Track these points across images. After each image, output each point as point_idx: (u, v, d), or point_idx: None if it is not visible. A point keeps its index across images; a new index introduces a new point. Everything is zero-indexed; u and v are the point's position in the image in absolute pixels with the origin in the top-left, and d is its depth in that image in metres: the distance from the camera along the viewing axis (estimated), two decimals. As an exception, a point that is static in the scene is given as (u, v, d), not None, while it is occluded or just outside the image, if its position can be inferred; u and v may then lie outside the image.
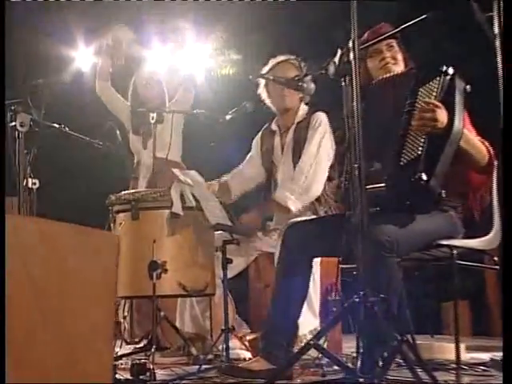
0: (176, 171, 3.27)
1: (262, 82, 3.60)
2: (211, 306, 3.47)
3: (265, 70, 3.57)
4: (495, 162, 2.63)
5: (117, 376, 2.65)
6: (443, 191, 2.49)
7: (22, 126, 3.12)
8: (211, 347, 3.25)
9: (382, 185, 2.54)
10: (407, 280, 2.75)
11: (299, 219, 3.14)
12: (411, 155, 2.52)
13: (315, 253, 2.84)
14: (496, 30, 2.07)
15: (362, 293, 2.25)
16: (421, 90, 2.57)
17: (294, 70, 3.53)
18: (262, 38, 6.13)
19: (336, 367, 2.72)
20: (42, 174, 3.29)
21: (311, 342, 2.37)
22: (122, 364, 3.09)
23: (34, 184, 3.20)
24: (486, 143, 2.64)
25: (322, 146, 3.45)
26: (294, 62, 3.58)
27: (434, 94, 2.53)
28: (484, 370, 2.83)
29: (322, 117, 3.52)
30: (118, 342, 3.53)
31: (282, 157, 3.62)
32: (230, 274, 3.19)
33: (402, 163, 2.54)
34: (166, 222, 3.15)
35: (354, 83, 2.34)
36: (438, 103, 2.49)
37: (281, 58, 3.60)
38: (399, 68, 2.83)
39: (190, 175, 3.27)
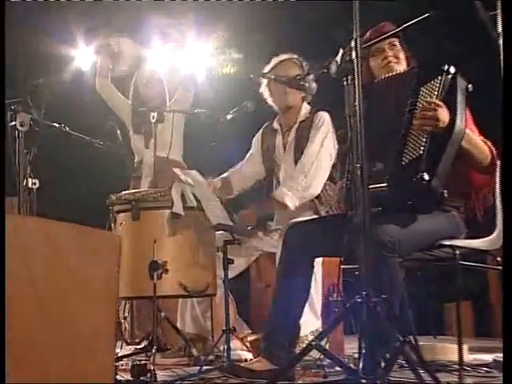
0: (177, 171, 3.26)
1: (264, 80, 3.59)
2: (212, 306, 3.46)
3: (267, 68, 3.57)
4: (498, 162, 2.61)
5: (117, 377, 2.64)
6: (445, 191, 2.48)
7: (22, 125, 3.11)
8: (212, 348, 3.24)
9: (384, 185, 2.53)
10: (409, 280, 2.74)
11: (300, 219, 3.13)
12: (413, 155, 2.51)
13: (316, 253, 2.83)
14: (500, 28, 2.07)
15: (364, 293, 2.23)
16: (422, 89, 2.57)
17: (296, 69, 3.53)
18: (264, 37, 6.13)
19: (338, 368, 2.71)
20: (41, 173, 3.28)
21: (313, 343, 2.36)
22: (122, 365, 3.09)
23: (34, 184, 3.19)
24: (489, 143, 2.63)
25: (324, 145, 3.44)
26: (296, 60, 3.57)
27: (436, 93, 2.53)
28: (487, 372, 2.82)
29: (325, 116, 3.50)
30: (119, 343, 3.52)
31: (284, 155, 3.61)
32: (230, 275, 3.18)
33: (403, 163, 2.53)
34: (167, 222, 3.14)
35: (357, 82, 2.32)
36: (439, 102, 2.48)
37: (283, 56, 3.59)
38: (402, 67, 2.82)
39: (191, 175, 3.25)
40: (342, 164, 2.78)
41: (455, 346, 2.71)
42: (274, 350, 2.70)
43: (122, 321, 3.69)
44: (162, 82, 4.33)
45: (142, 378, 2.71)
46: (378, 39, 2.70)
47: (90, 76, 4.48)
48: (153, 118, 3.70)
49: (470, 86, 2.55)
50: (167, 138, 4.06)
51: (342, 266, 2.79)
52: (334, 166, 3.39)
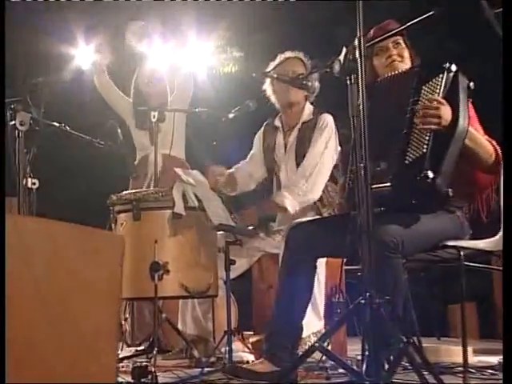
0: (178, 171, 3.24)
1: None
2: (213, 307, 3.44)
3: (272, 65, 3.55)
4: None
5: (118, 379, 2.62)
6: (450, 190, 2.45)
7: (21, 124, 3.09)
8: (214, 350, 3.22)
9: (388, 184, 2.51)
10: (413, 281, 2.72)
11: (303, 220, 3.11)
12: (416, 153, 2.49)
13: (319, 253, 2.81)
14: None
15: (367, 294, 2.21)
16: (424, 87, 2.56)
17: (300, 67, 3.52)
18: (265, 36, 6.12)
19: (341, 370, 2.69)
20: (41, 173, 3.26)
21: (316, 344, 2.33)
22: (123, 367, 3.07)
23: (34, 184, 3.17)
24: (494, 142, 2.61)
25: (327, 148, 3.42)
26: (301, 58, 3.55)
27: (438, 91, 2.52)
28: (492, 374, 2.80)
29: (328, 119, 3.49)
30: (119, 345, 3.50)
31: (285, 155, 3.59)
32: (232, 275, 3.16)
33: (407, 162, 2.51)
34: (168, 222, 3.11)
35: (360, 81, 2.30)
36: (441, 100, 2.47)
37: (288, 53, 3.57)
38: (406, 66, 2.80)
39: (193, 175, 3.24)
40: (343, 164, 2.76)
41: (459, 348, 2.69)
42: (276, 352, 2.68)
43: (123, 322, 3.66)
44: (163, 80, 4.31)
45: (142, 380, 2.69)
46: (381, 38, 2.68)
47: (89, 75, 4.46)
48: (153, 117, 3.68)
49: (471, 83, 2.54)
50: (168, 137, 4.04)
51: (345, 267, 2.76)
52: (335, 167, 3.38)
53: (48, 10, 6.14)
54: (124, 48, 4.45)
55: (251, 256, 3.57)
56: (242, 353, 3.30)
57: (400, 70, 2.75)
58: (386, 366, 2.22)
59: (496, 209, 2.75)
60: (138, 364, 2.79)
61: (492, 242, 2.73)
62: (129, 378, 2.72)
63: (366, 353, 2.23)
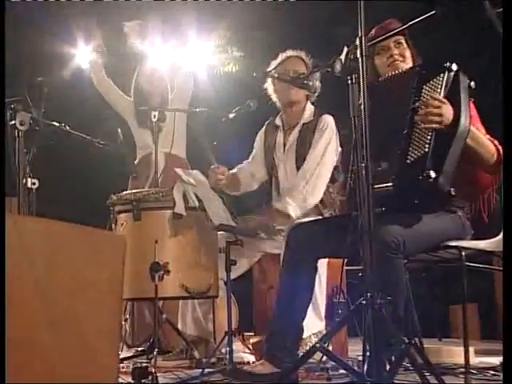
0: (179, 171, 3.23)
1: None
2: (214, 308, 3.43)
3: (274, 64, 3.54)
4: (504, 161, 2.58)
5: (118, 380, 2.61)
6: (452, 189, 2.44)
7: (21, 124, 3.08)
8: (214, 350, 3.20)
9: (390, 184, 2.50)
10: (414, 282, 2.71)
11: (304, 220, 3.10)
12: (418, 153, 2.49)
13: (320, 254, 2.80)
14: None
15: (369, 295, 2.20)
16: (425, 87, 2.55)
17: (302, 66, 3.52)
18: (265, 35, 6.11)
19: (342, 371, 2.68)
20: (41, 173, 3.25)
21: (317, 345, 2.33)
22: (123, 367, 3.07)
23: (34, 184, 3.16)
24: (495, 142, 2.60)
25: (327, 150, 3.41)
26: (303, 57, 3.54)
27: (439, 90, 2.51)
28: (493, 375, 2.79)
29: (329, 120, 3.48)
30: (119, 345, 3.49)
31: (284, 155, 3.57)
32: (232, 276, 3.15)
33: (408, 161, 2.50)
34: (169, 222, 3.10)
35: (361, 81, 2.29)
36: (443, 99, 2.47)
37: (290, 52, 3.56)
38: (407, 65, 2.79)
39: (193, 175, 3.22)
40: (344, 164, 2.75)
41: (461, 349, 2.68)
42: (276, 353, 2.67)
43: (123, 323, 3.65)
44: (164, 80, 4.30)
45: (143, 381, 2.68)
46: (383, 37, 2.67)
47: (89, 74, 4.46)
48: (154, 117, 3.67)
49: (472, 83, 2.53)
50: (169, 136, 4.04)
51: (346, 267, 2.75)
52: (335, 168, 3.37)
53: (48, 9, 6.12)
54: (124, 47, 4.44)
55: (252, 256, 3.55)
56: (243, 353, 3.30)
57: (401, 70, 2.74)
58: (388, 367, 2.21)
59: (498, 209, 2.74)
60: (139, 365, 2.79)
61: (493, 243, 2.72)
62: (129, 379, 2.72)
63: (367, 353, 2.22)
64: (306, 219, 3.13)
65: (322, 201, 3.43)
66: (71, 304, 1.68)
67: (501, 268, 2.76)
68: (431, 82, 2.53)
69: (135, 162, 4.37)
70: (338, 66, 2.40)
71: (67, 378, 1.64)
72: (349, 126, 2.38)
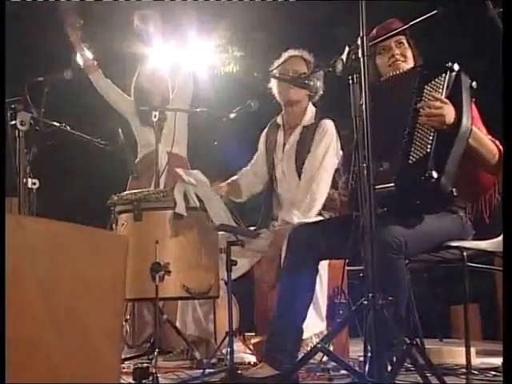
0: (179, 171, 3.22)
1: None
2: (215, 308, 3.43)
3: (276, 63, 3.54)
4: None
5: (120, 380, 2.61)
6: (454, 189, 2.44)
7: (22, 124, 3.08)
8: (215, 351, 3.20)
9: (391, 184, 2.49)
10: (416, 282, 2.70)
11: (305, 221, 3.09)
12: (420, 153, 2.48)
13: (321, 254, 2.79)
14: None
15: (370, 295, 2.19)
16: (426, 87, 2.55)
17: (303, 66, 3.51)
18: (266, 35, 6.11)
19: (343, 371, 2.68)
20: (41, 173, 3.24)
21: (318, 346, 2.32)
22: (124, 368, 3.06)
23: (34, 184, 3.16)
24: (497, 142, 2.60)
25: (327, 156, 3.41)
26: (304, 56, 3.54)
27: (440, 90, 2.51)
28: (495, 376, 2.79)
29: (329, 125, 3.47)
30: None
31: (283, 156, 3.57)
32: (233, 276, 3.13)
33: (410, 161, 2.50)
34: (169, 222, 3.10)
35: (363, 81, 2.28)
36: (444, 99, 2.46)
37: (292, 52, 3.56)
38: (409, 65, 2.79)
39: (194, 175, 3.22)
40: (345, 165, 2.74)
41: (462, 349, 2.68)
42: (276, 355, 2.66)
43: (124, 323, 3.65)
44: (165, 79, 4.30)
45: (143, 381, 2.68)
46: (384, 37, 2.66)
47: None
48: (154, 116, 3.66)
49: (474, 83, 2.53)
50: (170, 136, 4.04)
51: (347, 268, 2.75)
52: (336, 171, 3.36)
53: (48, 8, 6.12)
54: (124, 47, 4.43)
55: (253, 257, 3.55)
56: (244, 354, 3.29)
57: (402, 70, 2.74)
58: (389, 368, 2.20)
59: (499, 209, 2.73)
60: (139, 365, 2.79)
61: (495, 243, 2.72)
62: (130, 379, 2.71)
63: (369, 354, 2.22)
64: (308, 220, 3.13)
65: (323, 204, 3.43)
66: (73, 304, 1.67)
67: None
68: (433, 82, 2.53)
69: (136, 160, 4.36)
70: (339, 66, 2.40)
71: (69, 377, 1.64)
72: (350, 125, 2.37)
